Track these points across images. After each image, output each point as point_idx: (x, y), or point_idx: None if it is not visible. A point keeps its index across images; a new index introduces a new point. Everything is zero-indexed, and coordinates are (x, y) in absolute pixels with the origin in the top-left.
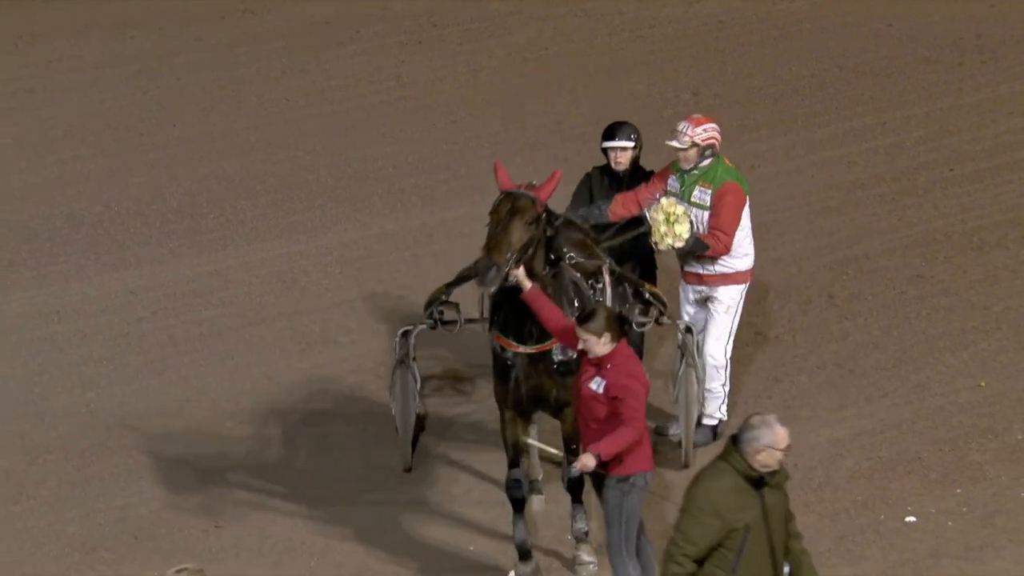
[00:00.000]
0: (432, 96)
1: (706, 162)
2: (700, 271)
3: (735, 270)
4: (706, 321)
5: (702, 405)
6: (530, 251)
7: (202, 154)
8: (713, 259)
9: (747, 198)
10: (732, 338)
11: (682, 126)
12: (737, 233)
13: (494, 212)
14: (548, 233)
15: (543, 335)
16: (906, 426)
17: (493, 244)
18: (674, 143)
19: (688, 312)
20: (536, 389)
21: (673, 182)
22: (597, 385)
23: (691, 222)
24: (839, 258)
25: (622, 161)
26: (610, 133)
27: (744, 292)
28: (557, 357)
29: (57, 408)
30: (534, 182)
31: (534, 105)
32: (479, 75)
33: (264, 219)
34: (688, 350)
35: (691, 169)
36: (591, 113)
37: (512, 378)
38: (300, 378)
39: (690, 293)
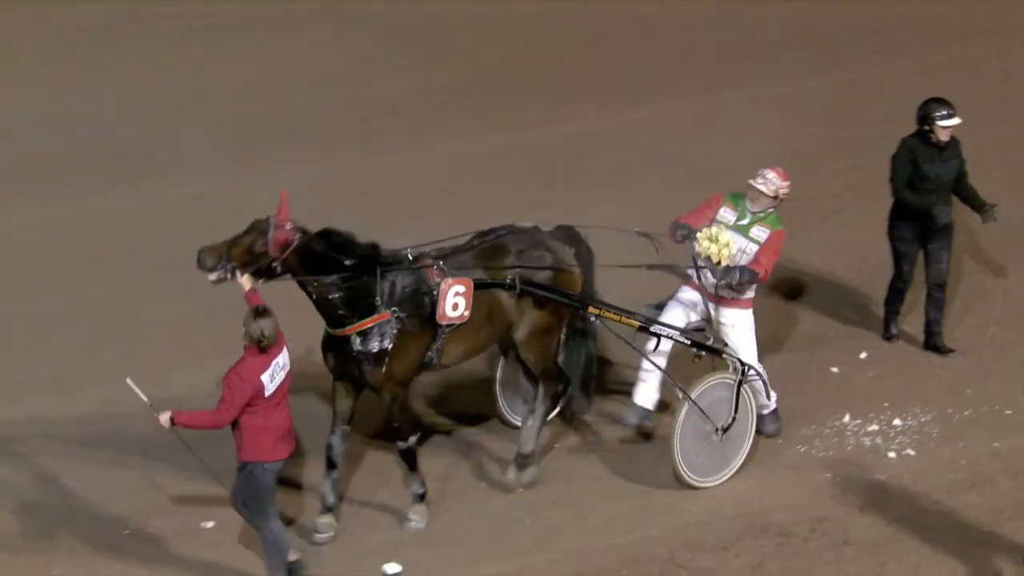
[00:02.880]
0: (702, 9)
1: (772, 209)
2: (720, 292)
3: (745, 296)
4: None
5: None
6: (252, 266)
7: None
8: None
9: None
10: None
11: (771, 175)
12: None
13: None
14: (279, 257)
15: (337, 321)
16: None
17: (211, 248)
18: (761, 187)
19: (678, 312)
20: (344, 365)
21: (727, 213)
22: None
23: (724, 228)
24: None
25: (947, 135)
26: (946, 113)
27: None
28: (355, 347)
29: None
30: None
31: (823, 11)
32: None
33: (543, 108)
34: (687, 388)
35: (758, 211)
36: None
37: (329, 354)
38: None
39: (700, 303)
